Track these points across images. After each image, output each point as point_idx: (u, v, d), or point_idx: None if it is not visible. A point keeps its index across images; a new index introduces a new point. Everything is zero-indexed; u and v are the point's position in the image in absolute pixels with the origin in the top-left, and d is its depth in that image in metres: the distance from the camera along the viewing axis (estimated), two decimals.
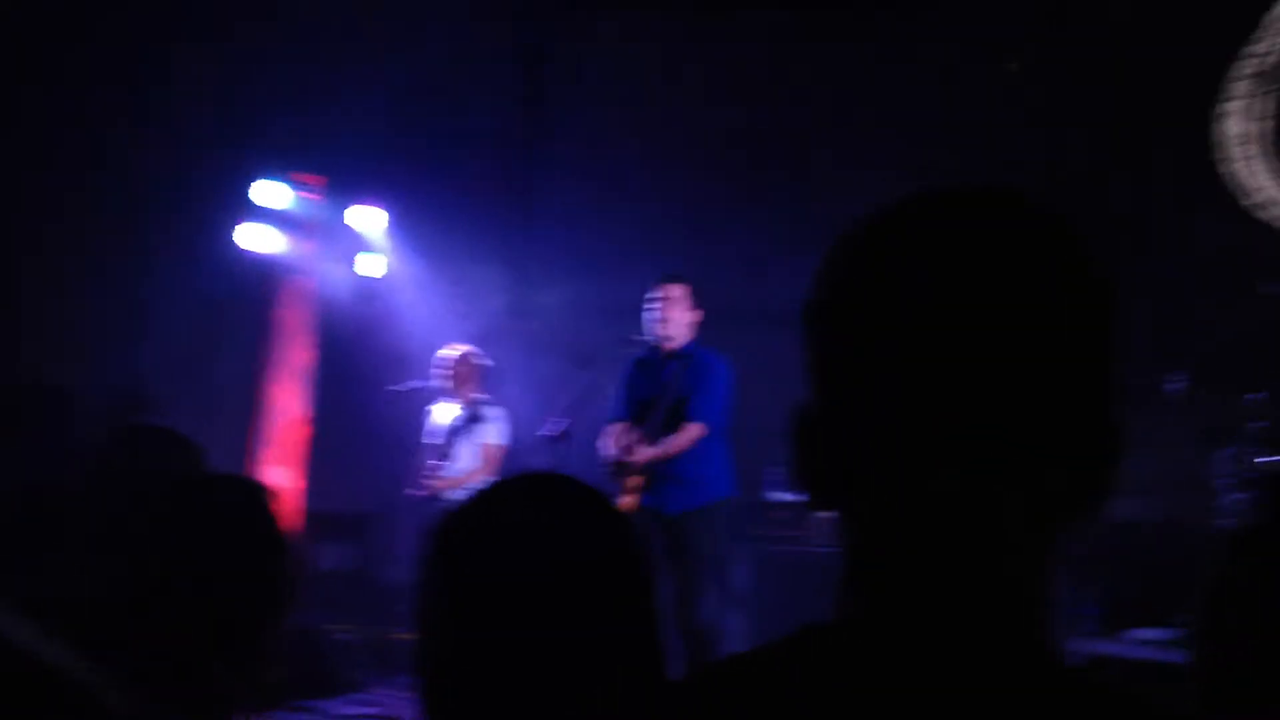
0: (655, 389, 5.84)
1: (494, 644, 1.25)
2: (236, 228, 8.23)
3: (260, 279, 8.58)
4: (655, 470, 5.70)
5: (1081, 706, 0.85)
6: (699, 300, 5.92)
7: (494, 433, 7.16)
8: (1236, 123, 7.59)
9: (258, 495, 1.76)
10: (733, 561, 7.67)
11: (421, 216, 8.52)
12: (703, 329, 5.95)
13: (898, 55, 8.46)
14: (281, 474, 8.42)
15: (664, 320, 5.84)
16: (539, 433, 6.14)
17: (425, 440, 7.30)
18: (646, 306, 5.89)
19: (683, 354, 5.86)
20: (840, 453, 0.91)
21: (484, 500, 1.37)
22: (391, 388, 7.67)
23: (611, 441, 5.90)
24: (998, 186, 0.91)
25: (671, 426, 5.74)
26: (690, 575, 5.53)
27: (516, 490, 1.40)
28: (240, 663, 1.64)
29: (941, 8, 8.41)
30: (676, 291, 5.89)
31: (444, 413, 7.29)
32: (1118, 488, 0.89)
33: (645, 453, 5.70)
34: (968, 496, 0.85)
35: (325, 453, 8.62)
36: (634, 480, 5.69)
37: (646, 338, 5.94)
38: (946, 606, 0.86)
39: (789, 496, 7.59)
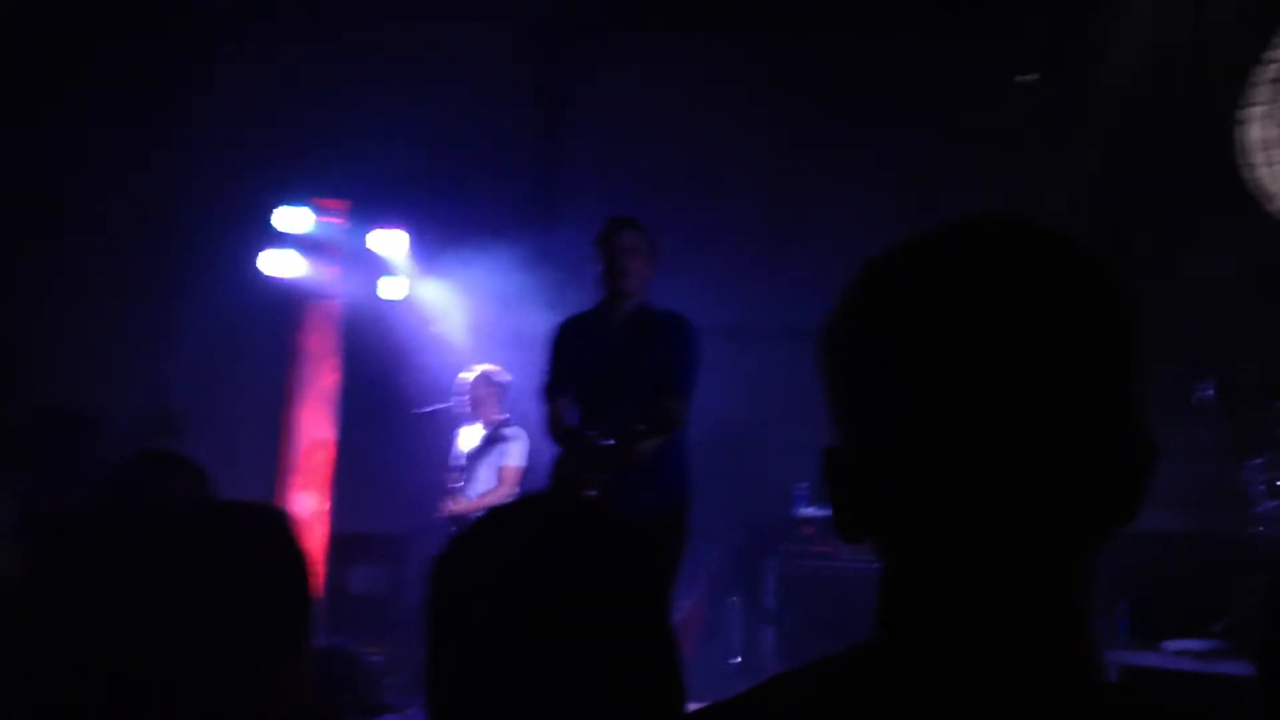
0: (609, 356, 4.81)
1: (498, 667, 1.24)
2: (264, 253, 8.27)
3: (284, 303, 8.62)
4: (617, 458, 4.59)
5: None
6: (654, 252, 4.97)
7: (512, 453, 7.10)
8: (1259, 128, 7.55)
9: (278, 521, 1.76)
10: (762, 577, 7.67)
11: (443, 238, 8.54)
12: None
13: (922, 70, 8.47)
14: (308, 497, 8.44)
15: (624, 272, 4.81)
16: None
17: (450, 463, 7.31)
18: (599, 256, 4.89)
19: (645, 313, 4.89)
20: (871, 484, 0.91)
21: (484, 524, 1.35)
22: (417, 409, 7.68)
23: (560, 422, 4.83)
24: (1007, 215, 0.92)
25: (640, 402, 4.67)
26: None
27: (518, 512, 1.38)
28: (265, 689, 1.64)
29: (960, 24, 8.43)
30: (635, 238, 4.88)
31: (469, 435, 7.30)
32: (1150, 498, 0.89)
33: (649, 443, 4.55)
34: (1002, 520, 0.86)
35: (352, 475, 8.64)
36: (602, 475, 4.51)
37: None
38: (988, 628, 0.87)
39: (816, 512, 7.57)
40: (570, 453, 4.77)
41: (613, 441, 4.56)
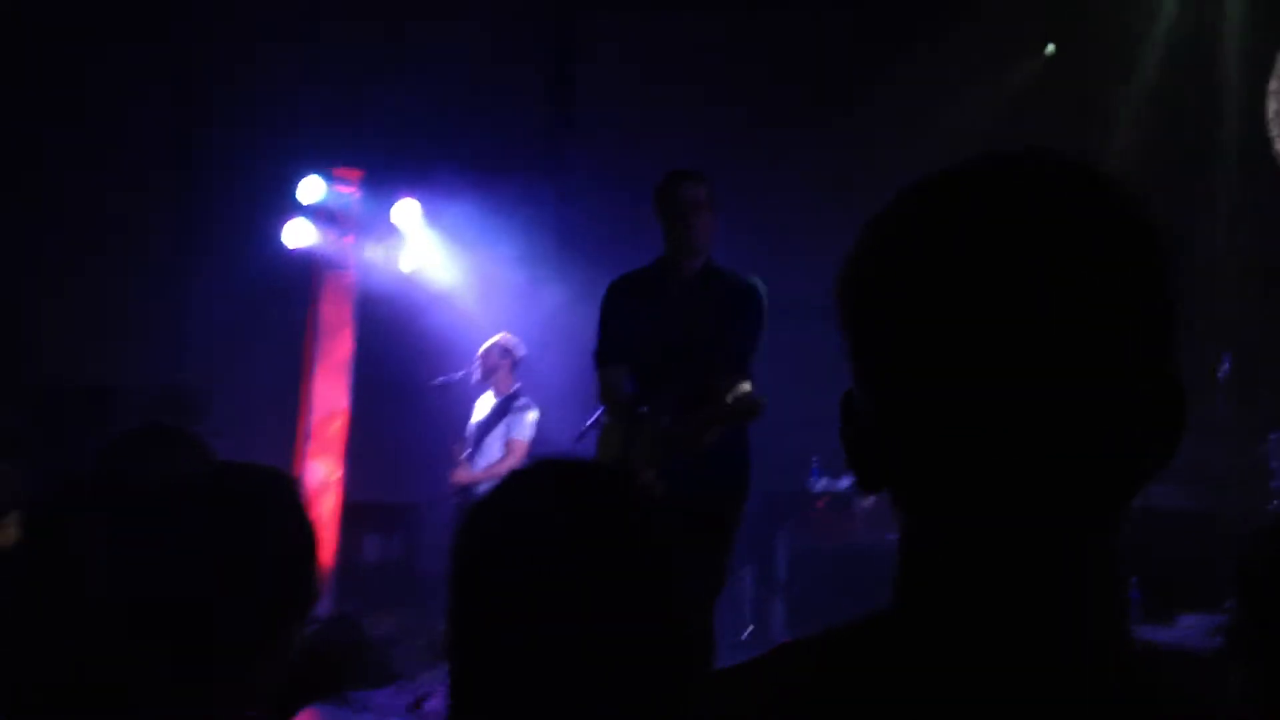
0: (669, 321, 4.32)
1: (519, 635, 1.24)
2: (280, 224, 8.28)
3: (300, 274, 8.63)
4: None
5: (1147, 698, 0.83)
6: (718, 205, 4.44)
7: (522, 425, 7.03)
8: None
9: (282, 485, 1.76)
10: (774, 550, 7.69)
11: (460, 208, 8.52)
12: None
13: (933, 34, 8.43)
14: (324, 466, 8.47)
15: (691, 230, 4.30)
16: (588, 423, 4.95)
17: (465, 433, 7.29)
18: (660, 214, 4.39)
19: (709, 275, 4.39)
20: (887, 437, 0.87)
21: (505, 488, 1.35)
22: (437, 379, 7.66)
23: (614, 391, 4.36)
24: (1036, 149, 0.86)
25: (701, 373, 4.17)
26: (710, 572, 3.98)
27: (537, 475, 1.37)
28: (267, 656, 1.65)
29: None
30: (700, 192, 4.34)
31: (484, 405, 7.27)
32: (1165, 475, 0.86)
33: (713, 431, 4.08)
34: (1023, 477, 0.81)
35: (367, 445, 8.66)
36: (657, 456, 4.07)
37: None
38: (1004, 591, 0.83)
39: (828, 485, 7.57)
40: (622, 428, 4.31)
41: (668, 421, 4.14)
